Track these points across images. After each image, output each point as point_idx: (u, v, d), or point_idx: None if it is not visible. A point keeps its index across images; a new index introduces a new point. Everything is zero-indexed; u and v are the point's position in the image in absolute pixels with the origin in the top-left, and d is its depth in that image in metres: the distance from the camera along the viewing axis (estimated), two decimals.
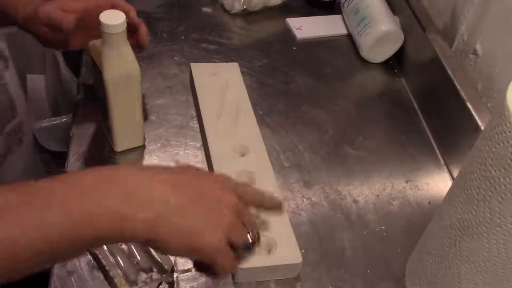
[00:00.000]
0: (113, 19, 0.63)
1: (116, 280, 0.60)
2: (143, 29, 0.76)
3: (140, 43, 0.76)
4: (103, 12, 0.63)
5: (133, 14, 0.73)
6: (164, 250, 0.45)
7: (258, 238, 0.51)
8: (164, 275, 0.61)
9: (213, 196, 0.46)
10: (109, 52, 0.65)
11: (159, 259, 0.61)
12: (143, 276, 0.61)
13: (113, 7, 0.69)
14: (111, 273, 0.60)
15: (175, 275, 0.62)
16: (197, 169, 0.50)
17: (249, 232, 0.49)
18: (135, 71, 0.67)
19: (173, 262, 0.62)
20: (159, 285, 0.60)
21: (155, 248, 0.46)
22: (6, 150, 0.78)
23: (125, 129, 0.73)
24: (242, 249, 0.50)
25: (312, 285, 0.65)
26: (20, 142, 0.84)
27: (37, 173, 1.06)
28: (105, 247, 0.63)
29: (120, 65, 0.66)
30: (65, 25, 0.69)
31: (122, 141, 0.74)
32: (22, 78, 1.23)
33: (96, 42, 0.67)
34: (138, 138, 0.75)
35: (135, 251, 0.63)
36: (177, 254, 0.48)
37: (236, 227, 0.47)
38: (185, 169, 0.48)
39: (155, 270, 0.61)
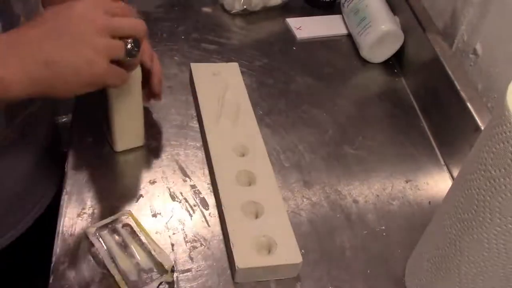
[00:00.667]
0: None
1: (116, 280, 0.60)
2: (156, 76, 0.73)
3: (153, 91, 0.74)
4: None
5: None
6: (58, 96, 0.54)
7: (137, 40, 0.58)
8: (164, 275, 0.61)
9: (79, 31, 0.53)
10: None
11: (159, 259, 0.61)
12: (143, 276, 0.61)
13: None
14: (111, 273, 0.61)
15: (175, 275, 0.63)
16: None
17: (126, 41, 0.57)
18: (136, 72, 0.67)
19: (173, 262, 0.62)
20: (159, 285, 0.60)
21: (49, 96, 0.55)
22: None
23: (125, 129, 0.72)
24: (128, 59, 0.58)
25: (312, 285, 0.65)
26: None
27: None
28: (104, 247, 0.63)
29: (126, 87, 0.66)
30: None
31: (122, 141, 0.74)
32: None
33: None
34: (138, 138, 0.75)
35: (135, 251, 0.63)
36: (71, 95, 0.56)
37: (112, 46, 0.55)
38: (56, 14, 0.55)
39: (155, 270, 0.61)
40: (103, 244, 0.63)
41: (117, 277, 0.60)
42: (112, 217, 0.66)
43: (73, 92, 0.56)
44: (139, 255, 0.62)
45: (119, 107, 0.69)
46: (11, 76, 0.51)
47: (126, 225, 0.65)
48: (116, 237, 0.64)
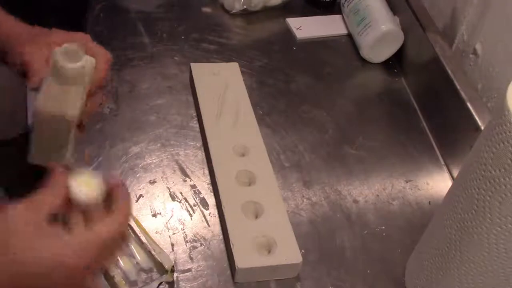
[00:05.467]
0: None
1: (116, 280, 0.60)
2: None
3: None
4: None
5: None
6: None
7: None
8: (164, 275, 0.61)
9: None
10: (53, 83, 0.57)
11: (159, 259, 0.61)
12: (143, 276, 0.61)
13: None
14: (111, 273, 0.61)
15: (175, 275, 0.63)
16: None
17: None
18: (70, 117, 0.58)
19: (173, 262, 0.62)
20: (159, 285, 0.60)
21: None
22: None
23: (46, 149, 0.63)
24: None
25: (312, 285, 0.65)
26: None
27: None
28: None
29: (58, 102, 0.58)
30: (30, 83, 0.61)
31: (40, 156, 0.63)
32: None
33: (59, 56, 0.58)
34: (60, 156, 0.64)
35: (135, 251, 0.63)
36: None
37: None
38: None
39: (155, 270, 0.61)
40: None
41: (117, 277, 0.60)
42: None
43: None
44: (139, 255, 0.62)
45: (43, 137, 0.61)
46: None
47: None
48: None
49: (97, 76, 0.61)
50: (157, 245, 0.63)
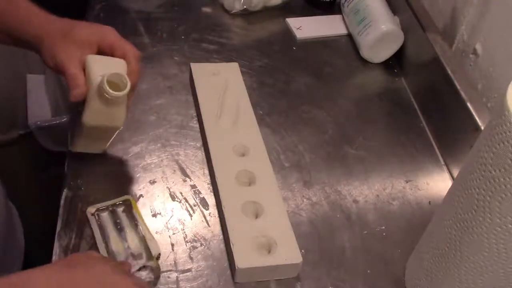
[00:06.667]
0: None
1: None
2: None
3: None
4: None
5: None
6: None
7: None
8: (149, 261, 0.62)
9: None
10: (99, 101, 0.63)
11: (148, 245, 0.63)
12: (130, 260, 0.62)
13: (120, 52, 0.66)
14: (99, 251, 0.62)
15: (175, 275, 0.63)
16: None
17: None
18: (118, 126, 0.66)
19: (160, 250, 0.64)
20: (140, 268, 0.61)
21: None
22: None
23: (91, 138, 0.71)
24: None
25: (312, 285, 0.65)
26: None
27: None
28: (96, 229, 0.64)
29: (105, 116, 0.64)
30: (72, 97, 0.64)
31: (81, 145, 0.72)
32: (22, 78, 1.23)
33: (94, 64, 0.64)
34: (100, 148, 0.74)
35: (128, 235, 0.64)
36: None
37: None
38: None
39: (144, 256, 0.62)
40: (100, 223, 0.65)
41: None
42: (114, 200, 0.67)
43: None
44: (132, 240, 0.63)
45: (89, 138, 0.69)
46: None
47: (126, 210, 0.66)
48: (114, 219, 0.65)
49: (132, 79, 0.65)
50: (150, 233, 0.65)
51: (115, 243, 0.63)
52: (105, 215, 0.66)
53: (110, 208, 0.66)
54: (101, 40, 0.65)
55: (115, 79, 0.62)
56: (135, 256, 0.62)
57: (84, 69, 0.64)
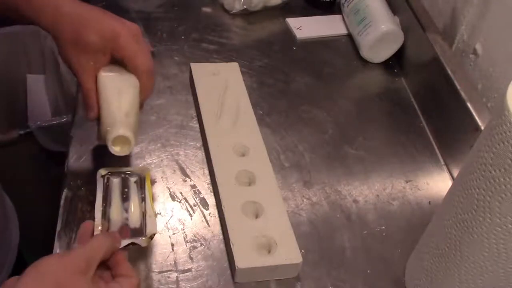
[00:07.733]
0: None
1: (96, 223, 0.58)
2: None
3: None
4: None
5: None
6: None
7: None
8: (140, 238, 0.59)
9: None
10: None
11: (146, 223, 0.60)
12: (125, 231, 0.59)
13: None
14: (95, 218, 0.59)
15: (175, 275, 0.63)
16: None
17: None
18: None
19: (157, 231, 0.60)
20: (128, 244, 0.58)
21: None
22: None
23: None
24: None
25: (312, 285, 0.65)
26: None
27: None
28: (101, 192, 0.63)
29: None
30: (87, 117, 0.65)
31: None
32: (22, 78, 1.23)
33: (106, 86, 0.64)
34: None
35: (132, 208, 0.62)
36: None
37: None
38: None
39: (138, 232, 0.59)
40: (107, 187, 0.63)
41: (97, 221, 0.58)
42: (130, 168, 0.67)
43: None
44: (133, 213, 0.61)
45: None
46: None
47: (138, 181, 0.65)
48: (123, 187, 0.64)
49: (141, 96, 0.65)
50: (153, 211, 0.62)
51: (115, 210, 0.60)
52: (115, 181, 0.64)
53: (123, 175, 0.65)
54: (113, 49, 0.63)
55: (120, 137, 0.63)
56: (130, 230, 0.59)
57: (96, 79, 0.64)
